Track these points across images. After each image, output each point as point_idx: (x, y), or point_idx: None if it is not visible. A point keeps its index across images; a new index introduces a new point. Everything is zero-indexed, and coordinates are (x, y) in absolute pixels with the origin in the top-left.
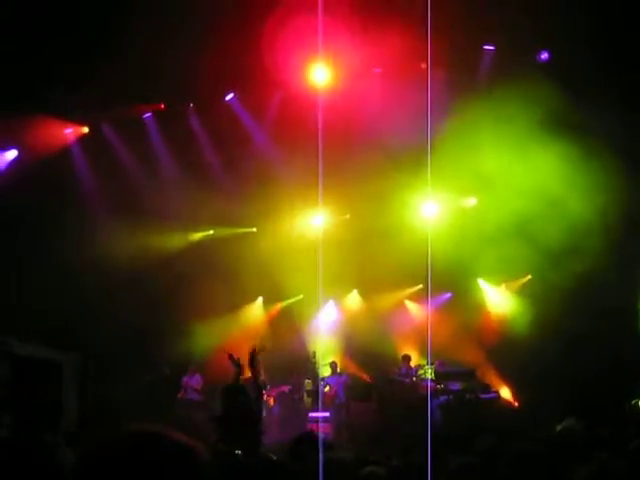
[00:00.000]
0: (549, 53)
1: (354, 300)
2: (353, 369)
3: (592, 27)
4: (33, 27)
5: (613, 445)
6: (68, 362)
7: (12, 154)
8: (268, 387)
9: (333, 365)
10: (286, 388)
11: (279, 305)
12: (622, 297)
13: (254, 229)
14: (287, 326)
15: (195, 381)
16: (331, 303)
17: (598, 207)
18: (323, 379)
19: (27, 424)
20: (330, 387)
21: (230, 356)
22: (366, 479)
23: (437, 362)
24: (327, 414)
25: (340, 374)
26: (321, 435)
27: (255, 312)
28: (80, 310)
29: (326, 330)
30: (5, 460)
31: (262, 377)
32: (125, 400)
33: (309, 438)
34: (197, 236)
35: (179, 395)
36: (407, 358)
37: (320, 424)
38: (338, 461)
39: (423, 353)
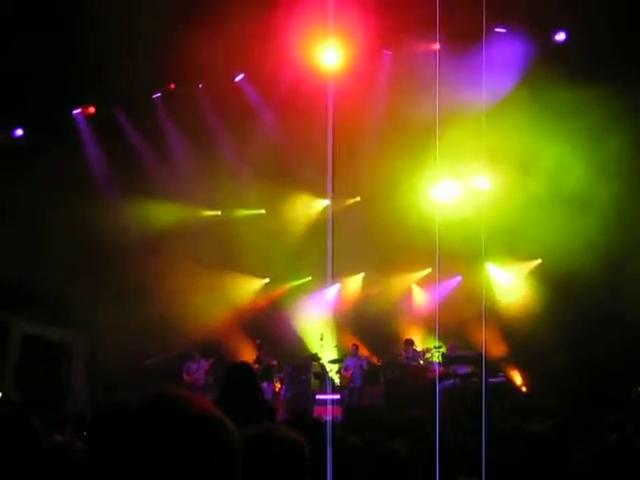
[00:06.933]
0: (567, 34)
1: (362, 283)
2: (362, 352)
3: (611, 4)
4: (40, 7)
5: (621, 430)
6: (77, 343)
7: (18, 133)
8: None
9: (354, 348)
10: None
11: (286, 286)
12: (634, 282)
13: (263, 211)
14: (293, 308)
15: (201, 367)
16: (337, 286)
17: (614, 192)
18: (340, 360)
19: (32, 403)
20: (347, 369)
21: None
22: (387, 458)
23: (449, 345)
24: (337, 396)
25: (360, 357)
26: (329, 418)
27: (261, 293)
28: (88, 291)
29: (333, 312)
30: None
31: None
32: (131, 381)
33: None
34: (205, 217)
35: (186, 379)
36: (411, 342)
37: (329, 407)
38: (348, 443)
39: (431, 336)
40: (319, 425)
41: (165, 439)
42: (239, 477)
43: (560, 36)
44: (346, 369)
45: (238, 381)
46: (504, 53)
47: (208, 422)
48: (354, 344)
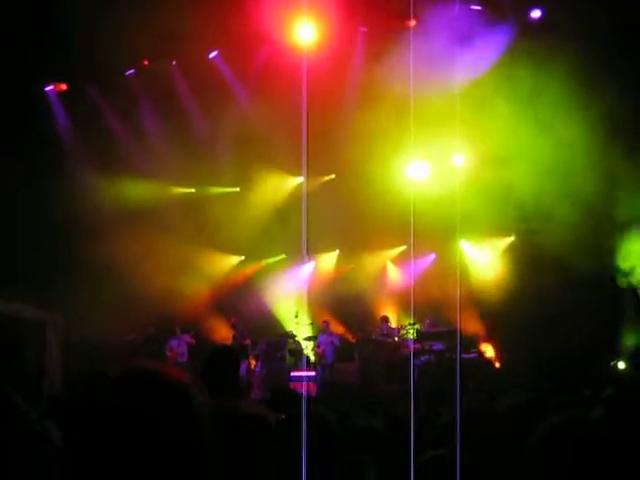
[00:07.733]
0: (542, 11)
1: (337, 260)
2: (336, 329)
3: None
4: None
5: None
6: (51, 322)
7: None
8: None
9: (324, 324)
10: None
11: (261, 264)
12: (605, 261)
13: (237, 188)
14: (268, 285)
15: (183, 342)
16: (312, 263)
17: (588, 171)
18: (314, 338)
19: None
20: (319, 346)
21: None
22: (363, 433)
23: (427, 322)
24: (312, 373)
25: (331, 334)
26: (304, 393)
27: (235, 271)
28: (61, 269)
29: (308, 290)
30: None
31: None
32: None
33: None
34: (179, 195)
35: (169, 355)
36: (385, 319)
37: (303, 383)
38: (322, 418)
39: (406, 313)
40: (296, 399)
41: (138, 409)
42: (208, 443)
43: (536, 13)
44: (318, 346)
45: (221, 362)
46: (479, 31)
47: (176, 392)
48: (324, 321)
